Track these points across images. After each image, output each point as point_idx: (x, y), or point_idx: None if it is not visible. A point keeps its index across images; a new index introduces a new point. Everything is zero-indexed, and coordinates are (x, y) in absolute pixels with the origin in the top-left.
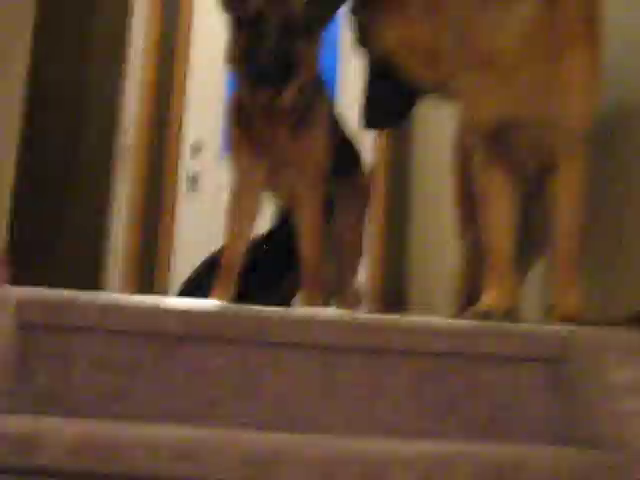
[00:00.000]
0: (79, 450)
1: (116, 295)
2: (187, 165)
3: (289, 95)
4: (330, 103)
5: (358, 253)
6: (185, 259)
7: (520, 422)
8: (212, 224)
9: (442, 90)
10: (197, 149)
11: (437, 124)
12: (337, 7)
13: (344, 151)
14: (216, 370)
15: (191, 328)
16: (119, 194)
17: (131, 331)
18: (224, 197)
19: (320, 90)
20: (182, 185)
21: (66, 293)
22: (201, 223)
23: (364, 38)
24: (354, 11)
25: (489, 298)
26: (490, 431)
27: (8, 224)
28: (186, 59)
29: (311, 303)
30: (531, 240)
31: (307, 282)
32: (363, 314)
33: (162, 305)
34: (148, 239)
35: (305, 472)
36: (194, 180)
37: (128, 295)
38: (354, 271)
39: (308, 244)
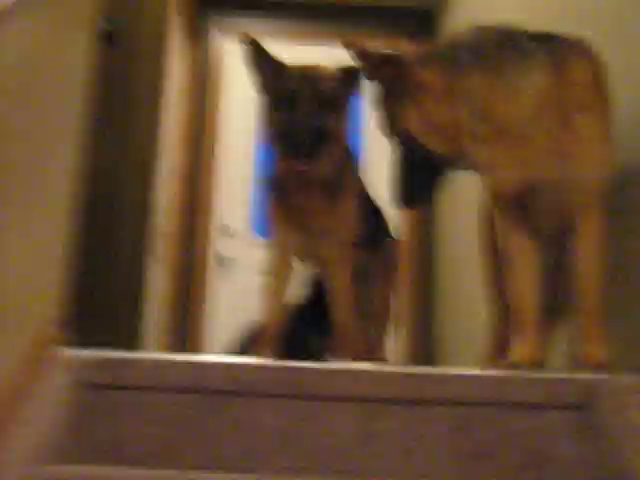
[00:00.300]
0: None
1: (166, 354)
2: (217, 247)
3: (322, 166)
4: (359, 173)
5: (387, 318)
6: (217, 335)
7: (551, 466)
8: (242, 302)
9: (465, 163)
10: (226, 232)
11: (459, 192)
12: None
13: (373, 219)
14: (260, 422)
15: (236, 384)
16: (153, 277)
17: (180, 387)
18: (253, 276)
19: (350, 160)
20: (213, 266)
21: (120, 354)
22: (231, 302)
23: (387, 125)
24: (376, 101)
25: (517, 352)
26: (523, 476)
27: (65, 296)
28: (214, 147)
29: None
30: (558, 296)
31: (340, 344)
32: (398, 367)
33: (209, 362)
34: (182, 317)
35: None
36: (224, 261)
37: (177, 354)
38: (383, 335)
39: (340, 308)
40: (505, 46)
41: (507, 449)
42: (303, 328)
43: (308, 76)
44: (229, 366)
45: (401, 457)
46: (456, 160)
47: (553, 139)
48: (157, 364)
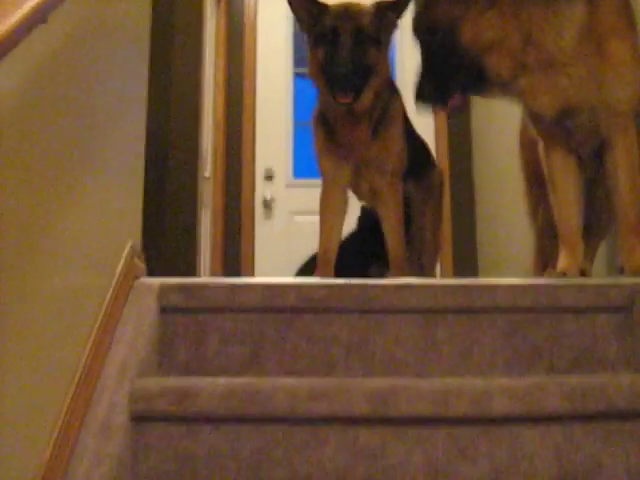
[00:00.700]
0: (229, 396)
1: (241, 278)
2: (261, 191)
3: (366, 98)
4: (402, 105)
5: (436, 242)
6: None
7: (600, 363)
8: (286, 244)
9: (507, 82)
10: (269, 177)
11: (496, 109)
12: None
13: (417, 150)
14: (330, 336)
15: (307, 301)
16: (202, 221)
17: (255, 307)
18: (295, 219)
19: (393, 92)
20: (258, 210)
21: (198, 279)
22: (276, 244)
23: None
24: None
25: (563, 262)
26: (573, 373)
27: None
28: (253, 93)
29: None
30: (600, 214)
31: (394, 267)
32: (454, 280)
33: (281, 283)
34: (230, 260)
35: (420, 401)
36: (268, 205)
37: (251, 277)
38: (433, 258)
39: (392, 234)
40: None
41: (558, 349)
42: (360, 255)
43: (348, 13)
44: (300, 285)
45: (460, 359)
46: (503, 76)
47: (588, 65)
48: (233, 286)
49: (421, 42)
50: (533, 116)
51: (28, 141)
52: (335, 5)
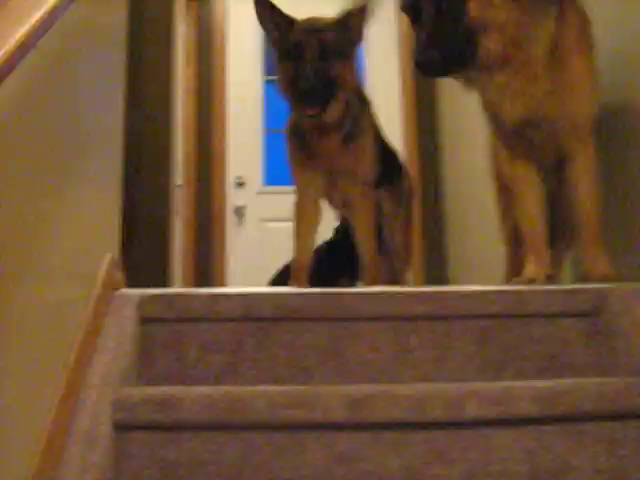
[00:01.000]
0: (209, 404)
1: (218, 289)
2: (232, 199)
3: (334, 110)
4: (373, 115)
5: (407, 249)
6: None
7: (568, 367)
8: (258, 251)
9: (490, 66)
10: (240, 184)
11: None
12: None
13: (387, 157)
14: (306, 344)
15: (283, 311)
16: (175, 229)
17: (233, 317)
18: (267, 226)
19: (363, 102)
20: (229, 218)
21: (177, 290)
22: (248, 251)
23: None
24: None
25: (530, 269)
26: (543, 377)
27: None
28: (224, 101)
29: None
30: (566, 221)
31: (366, 274)
32: (425, 288)
33: (257, 293)
34: (204, 264)
35: (396, 407)
36: (239, 212)
37: (228, 287)
38: (404, 265)
39: (364, 243)
40: None
41: (527, 354)
42: (334, 263)
43: (313, 27)
44: (276, 295)
45: (433, 365)
46: (486, 63)
47: (553, 77)
48: (211, 297)
49: (421, 13)
50: (496, 124)
51: (18, 156)
52: (300, 20)
